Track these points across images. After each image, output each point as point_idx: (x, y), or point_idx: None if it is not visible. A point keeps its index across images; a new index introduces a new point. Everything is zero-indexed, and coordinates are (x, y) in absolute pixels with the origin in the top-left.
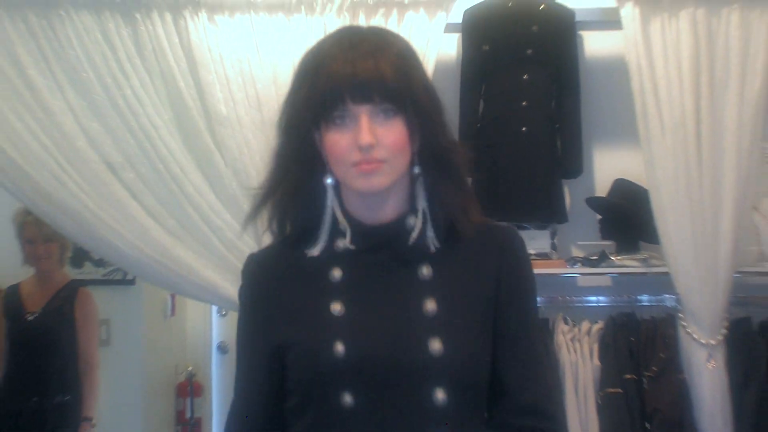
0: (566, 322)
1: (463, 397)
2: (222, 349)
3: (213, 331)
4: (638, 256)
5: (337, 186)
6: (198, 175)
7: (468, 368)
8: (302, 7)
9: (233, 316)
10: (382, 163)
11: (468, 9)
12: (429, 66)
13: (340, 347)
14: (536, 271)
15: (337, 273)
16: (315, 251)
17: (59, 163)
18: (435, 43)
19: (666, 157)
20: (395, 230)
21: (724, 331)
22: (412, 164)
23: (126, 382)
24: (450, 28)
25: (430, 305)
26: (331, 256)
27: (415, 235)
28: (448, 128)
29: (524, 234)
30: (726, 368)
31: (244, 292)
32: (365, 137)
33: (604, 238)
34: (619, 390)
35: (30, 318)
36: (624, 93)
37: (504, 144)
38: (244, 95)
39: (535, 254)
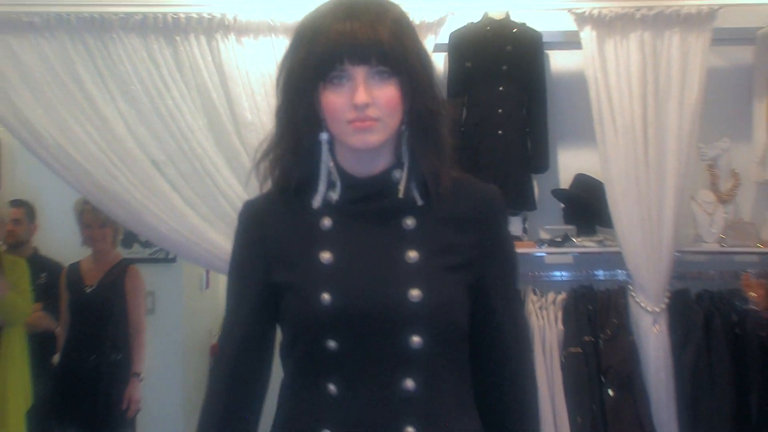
0: (535, 293)
1: (438, 342)
2: None
3: None
4: (595, 238)
5: (332, 142)
6: (227, 170)
7: (444, 316)
8: None
9: None
10: (375, 122)
11: (453, 32)
12: None
13: (326, 296)
14: None
15: (327, 222)
16: (316, 202)
17: (112, 161)
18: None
19: (618, 155)
20: (382, 183)
21: (666, 300)
22: (402, 124)
23: (168, 344)
24: (438, 47)
25: (412, 255)
26: (322, 207)
27: (401, 187)
28: (436, 91)
29: (514, 218)
30: (668, 331)
31: (240, 231)
32: (361, 96)
33: (566, 223)
34: (579, 350)
35: (88, 290)
36: (583, 102)
37: (483, 144)
38: (266, 104)
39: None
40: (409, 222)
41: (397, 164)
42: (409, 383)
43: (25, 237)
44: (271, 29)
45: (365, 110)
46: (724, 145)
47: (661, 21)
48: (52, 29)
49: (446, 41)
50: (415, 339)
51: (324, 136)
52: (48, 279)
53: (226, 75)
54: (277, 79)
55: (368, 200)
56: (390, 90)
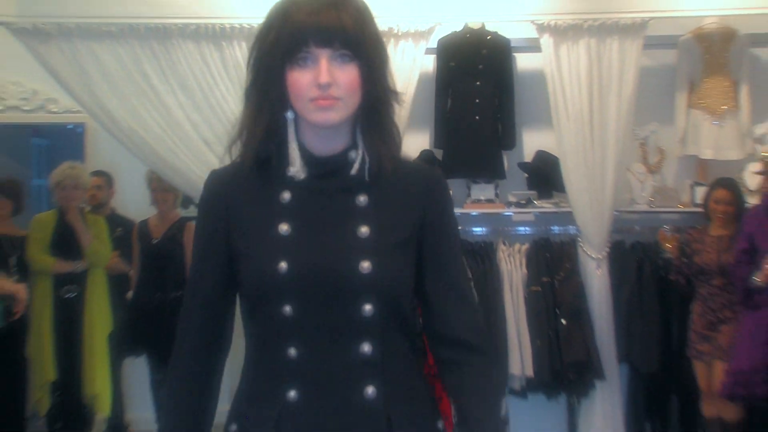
0: (504, 244)
1: (388, 310)
2: None
3: None
4: (552, 201)
5: (297, 121)
6: None
7: (392, 286)
8: None
9: None
10: (336, 100)
11: (440, 38)
12: (414, 77)
13: (283, 265)
14: (485, 211)
15: (286, 195)
16: (293, 171)
17: (173, 140)
18: (419, 62)
19: (570, 136)
20: (339, 162)
21: (607, 249)
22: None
23: None
24: (429, 51)
25: (364, 230)
26: (282, 181)
27: (356, 166)
28: (389, 80)
29: (477, 186)
30: (608, 274)
31: (204, 199)
32: (324, 76)
33: (529, 189)
34: (539, 288)
35: (154, 242)
36: (542, 94)
37: (463, 128)
38: None
39: (484, 200)
40: (362, 199)
41: (353, 145)
42: (366, 347)
43: (104, 200)
44: None
45: (328, 89)
46: (653, 128)
47: (604, 30)
48: (125, 36)
49: (435, 46)
50: (367, 307)
51: (290, 115)
52: (123, 233)
53: None
54: (248, 61)
55: (326, 177)
56: (351, 72)
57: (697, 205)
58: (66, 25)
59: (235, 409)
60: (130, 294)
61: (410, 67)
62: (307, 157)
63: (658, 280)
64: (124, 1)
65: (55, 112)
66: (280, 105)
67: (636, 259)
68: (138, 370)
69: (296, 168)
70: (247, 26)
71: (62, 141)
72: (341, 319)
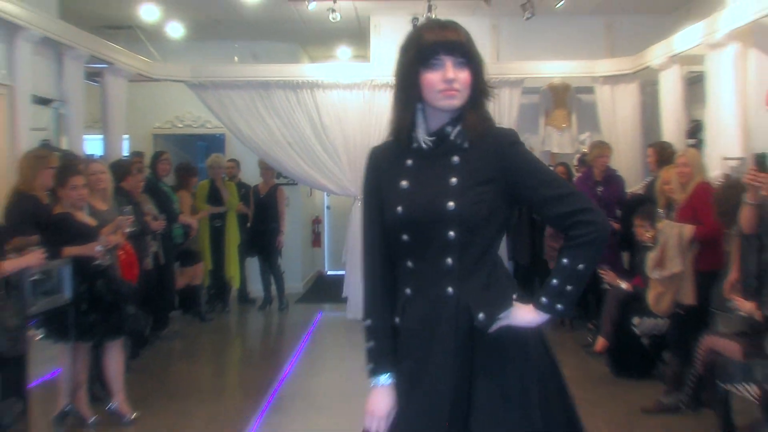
0: None
1: (466, 235)
2: (329, 208)
3: (325, 200)
4: None
5: (423, 110)
6: (319, 148)
7: (469, 218)
8: (358, 87)
9: (333, 197)
10: (457, 91)
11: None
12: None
13: (399, 209)
14: None
15: (409, 162)
16: (417, 143)
17: (271, 144)
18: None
19: None
20: (441, 135)
21: None
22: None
23: (295, 219)
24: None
25: (453, 180)
26: (408, 151)
27: (453, 136)
28: (486, 81)
29: None
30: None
31: (367, 168)
32: (450, 73)
33: None
34: None
35: (261, 197)
36: None
37: None
38: (330, 120)
39: None
40: (455, 159)
41: (450, 122)
42: (449, 260)
43: (235, 174)
44: (336, 86)
45: (451, 84)
46: (526, 136)
47: (504, 84)
48: (246, 87)
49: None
50: (451, 233)
51: (419, 106)
52: (245, 192)
53: (319, 107)
54: (396, 72)
55: (436, 146)
56: (465, 74)
57: None
58: (215, 81)
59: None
60: (248, 224)
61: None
62: (426, 133)
63: (530, 217)
64: (245, 69)
65: (209, 128)
66: (417, 97)
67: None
68: (253, 265)
69: (419, 141)
70: (311, 80)
71: (213, 143)
72: (435, 242)
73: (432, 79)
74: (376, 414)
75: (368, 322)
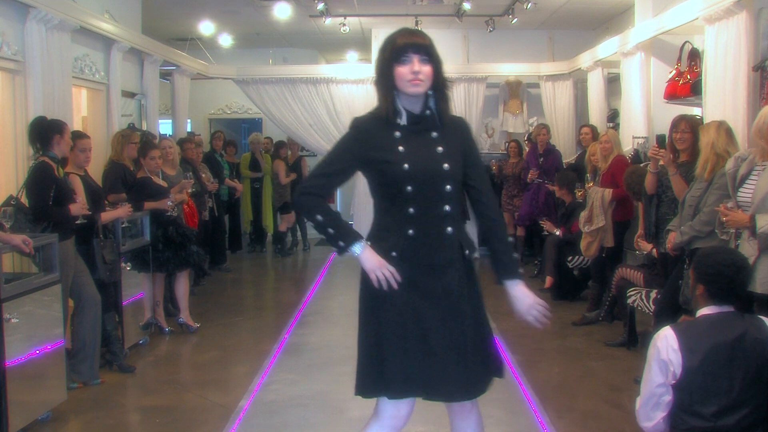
0: None
1: (456, 189)
2: None
3: None
4: None
5: (398, 95)
6: (332, 128)
7: (458, 177)
8: (362, 83)
9: None
10: (421, 81)
11: None
12: None
13: (406, 166)
14: None
15: (398, 134)
16: (401, 121)
17: (297, 124)
18: None
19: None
20: (421, 116)
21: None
22: (430, 88)
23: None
24: None
25: (440, 149)
26: (394, 126)
27: (429, 117)
28: (444, 76)
29: None
30: None
31: (351, 128)
32: (416, 67)
33: None
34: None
35: (290, 164)
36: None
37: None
38: (342, 107)
39: None
40: (435, 134)
41: (426, 108)
42: (447, 207)
43: (270, 148)
44: (346, 81)
45: (417, 75)
46: (488, 120)
47: (472, 80)
48: (277, 83)
49: None
50: (448, 187)
51: (396, 93)
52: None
53: (333, 98)
54: (376, 67)
55: (416, 124)
56: (428, 68)
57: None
58: (255, 78)
59: (374, 235)
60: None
61: None
62: (407, 114)
63: (492, 180)
64: (277, 69)
65: (250, 113)
66: (392, 85)
67: (488, 174)
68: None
69: (402, 119)
70: (326, 76)
71: (253, 125)
72: (435, 193)
73: (402, 71)
74: (375, 265)
75: (318, 217)
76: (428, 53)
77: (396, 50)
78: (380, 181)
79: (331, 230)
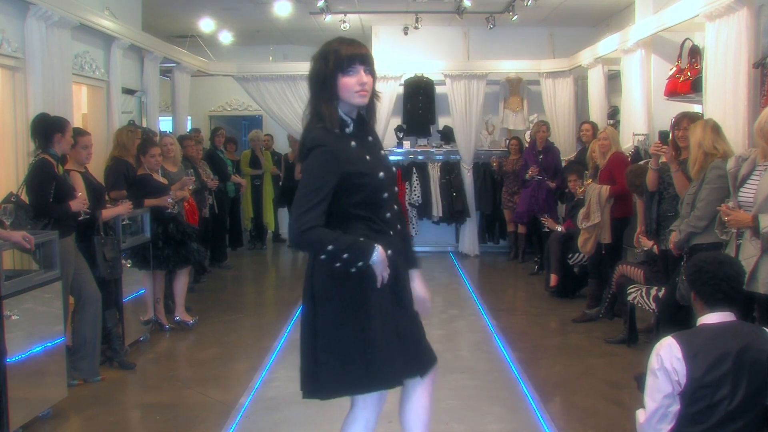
0: (431, 162)
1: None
2: None
3: None
4: (449, 145)
5: (339, 105)
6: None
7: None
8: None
9: None
10: (366, 92)
11: (406, 79)
12: (395, 93)
13: (381, 174)
14: (424, 149)
15: (353, 143)
16: (349, 129)
17: (296, 122)
18: (395, 90)
19: (459, 119)
20: (360, 121)
21: (471, 165)
22: None
23: None
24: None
25: (382, 152)
26: (346, 135)
27: (369, 126)
28: (376, 85)
29: (421, 139)
30: (472, 175)
31: (317, 149)
32: (363, 78)
33: (440, 140)
34: (444, 180)
35: (290, 161)
36: (444, 102)
37: (414, 121)
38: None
39: (424, 144)
40: (371, 138)
41: (358, 114)
42: (396, 206)
43: (270, 145)
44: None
45: (364, 86)
46: (488, 117)
47: (473, 78)
48: (277, 80)
49: (401, 83)
50: (396, 188)
51: (339, 103)
52: (278, 158)
53: None
54: (314, 75)
55: (359, 131)
56: (370, 79)
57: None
58: (255, 75)
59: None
60: (280, 183)
61: (391, 93)
62: (353, 122)
63: (492, 177)
64: (277, 66)
65: (250, 110)
66: (336, 96)
67: (482, 169)
68: (284, 214)
69: (350, 128)
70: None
71: (253, 122)
72: (394, 195)
73: (349, 82)
74: (385, 266)
75: (329, 248)
76: (371, 64)
77: (342, 60)
78: (357, 193)
79: (345, 255)
